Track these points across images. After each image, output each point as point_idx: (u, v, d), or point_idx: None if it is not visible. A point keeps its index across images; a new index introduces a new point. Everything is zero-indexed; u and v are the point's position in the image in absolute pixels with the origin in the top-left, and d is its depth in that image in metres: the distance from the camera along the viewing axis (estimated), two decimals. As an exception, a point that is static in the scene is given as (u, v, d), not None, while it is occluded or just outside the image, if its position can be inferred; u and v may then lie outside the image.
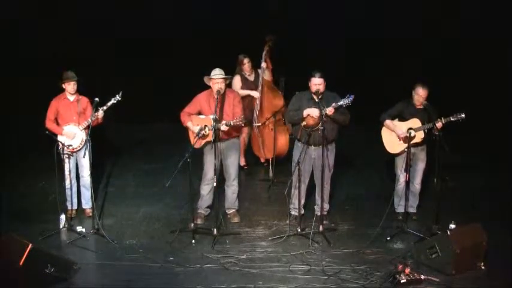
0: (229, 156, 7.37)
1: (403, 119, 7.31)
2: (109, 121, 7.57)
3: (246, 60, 9.09)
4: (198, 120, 7.25)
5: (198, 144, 7.16)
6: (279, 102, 9.03)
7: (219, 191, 7.26)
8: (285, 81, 9.42)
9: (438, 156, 6.83)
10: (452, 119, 6.99)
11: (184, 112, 7.33)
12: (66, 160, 7.31)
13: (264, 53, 9.09)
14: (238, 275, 6.20)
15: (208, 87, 7.26)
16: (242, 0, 11.25)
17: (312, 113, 6.94)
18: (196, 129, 7.13)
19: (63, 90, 7.42)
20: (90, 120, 7.24)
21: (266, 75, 9.19)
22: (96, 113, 7.18)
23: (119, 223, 7.55)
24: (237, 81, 9.11)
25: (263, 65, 9.10)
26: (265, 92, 9.12)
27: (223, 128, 7.01)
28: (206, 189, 7.42)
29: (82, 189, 7.60)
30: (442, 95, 8.12)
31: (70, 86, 7.36)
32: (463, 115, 6.94)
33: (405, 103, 7.32)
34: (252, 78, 9.19)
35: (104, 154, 9.74)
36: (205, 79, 7.23)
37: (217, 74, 7.15)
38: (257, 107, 9.13)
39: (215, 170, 6.98)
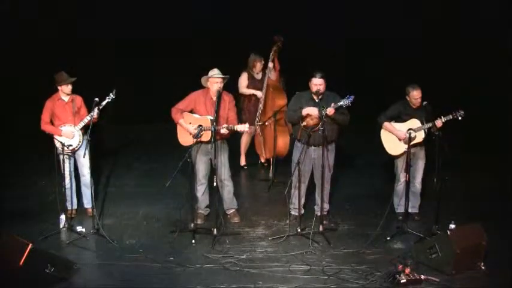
0: (219, 156, 7.26)
1: (400, 120, 7.30)
2: (109, 121, 7.57)
3: (259, 59, 9.09)
4: (191, 119, 7.20)
5: (188, 142, 7.12)
6: (282, 102, 9.01)
7: (217, 191, 7.25)
8: (285, 81, 9.41)
9: (438, 156, 6.83)
10: (451, 117, 7.00)
11: (176, 108, 7.27)
12: (66, 160, 7.31)
13: (271, 53, 9.08)
14: (238, 275, 6.19)
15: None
16: (242, 1, 11.26)
17: (311, 112, 6.94)
18: (189, 127, 7.12)
19: (56, 90, 7.42)
20: (86, 120, 7.25)
21: (272, 75, 9.18)
22: (92, 113, 7.18)
23: (118, 223, 7.55)
24: (243, 78, 9.12)
25: (270, 65, 9.09)
26: (270, 92, 9.11)
27: (224, 131, 6.99)
28: (200, 190, 7.40)
29: (83, 188, 7.60)
30: (441, 95, 8.13)
31: (68, 88, 7.36)
32: (462, 112, 6.95)
33: (402, 104, 7.30)
34: (259, 77, 9.20)
35: (104, 154, 9.78)
36: (203, 80, 7.21)
37: (216, 73, 7.14)
38: (260, 106, 9.14)
39: (214, 170, 6.96)
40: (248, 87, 9.12)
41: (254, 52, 9.17)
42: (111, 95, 7.22)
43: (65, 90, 7.38)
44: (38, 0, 10.90)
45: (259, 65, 9.13)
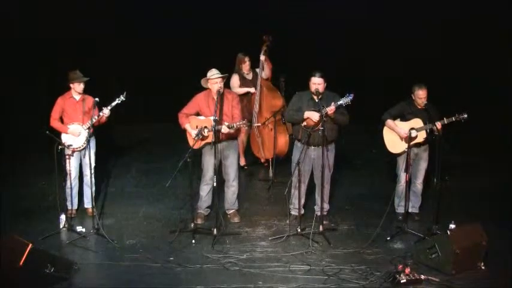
0: (228, 156, 7.35)
1: (404, 118, 7.31)
2: (109, 121, 7.57)
3: (246, 59, 9.10)
4: (197, 121, 7.23)
5: (197, 145, 7.15)
6: (278, 102, 9.03)
7: (219, 191, 7.26)
8: (285, 81, 9.40)
9: (438, 156, 6.83)
10: (454, 119, 7.00)
11: (182, 113, 7.31)
12: (68, 160, 7.30)
13: (261, 53, 9.07)
14: (238, 275, 6.20)
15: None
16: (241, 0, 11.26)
17: (311, 116, 6.94)
18: (194, 132, 7.13)
19: (67, 89, 7.42)
20: (94, 119, 7.25)
21: (265, 72, 9.17)
22: (100, 113, 7.20)
23: (119, 223, 7.55)
24: (235, 80, 9.11)
25: (262, 57, 9.05)
26: (264, 92, 9.12)
27: (224, 129, 7.00)
28: (205, 189, 7.41)
29: (85, 187, 7.61)
30: (442, 95, 8.13)
31: (80, 87, 7.37)
32: (465, 115, 6.96)
33: (406, 103, 7.32)
34: (250, 77, 9.19)
35: (104, 154, 9.74)
36: (203, 81, 7.22)
37: (214, 74, 7.14)
38: (256, 107, 9.13)
39: (215, 170, 6.98)
40: (240, 87, 9.12)
41: (240, 52, 9.17)
42: (122, 97, 7.25)
43: (76, 89, 7.38)
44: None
45: (244, 65, 9.12)
